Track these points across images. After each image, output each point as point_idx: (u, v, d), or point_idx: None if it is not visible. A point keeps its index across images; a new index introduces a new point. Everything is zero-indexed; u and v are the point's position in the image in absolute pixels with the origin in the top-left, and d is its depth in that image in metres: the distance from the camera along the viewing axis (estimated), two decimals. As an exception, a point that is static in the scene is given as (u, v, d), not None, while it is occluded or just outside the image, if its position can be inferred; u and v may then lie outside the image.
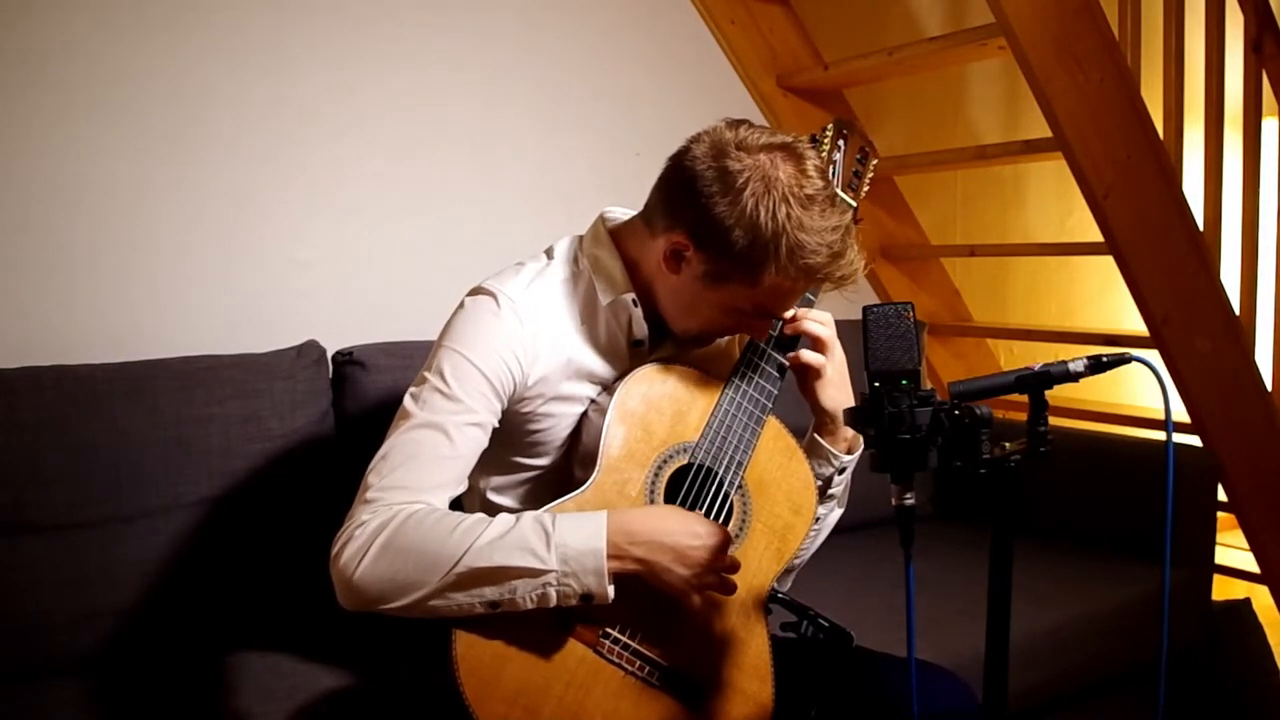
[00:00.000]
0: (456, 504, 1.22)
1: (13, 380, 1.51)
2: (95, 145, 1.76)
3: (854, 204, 1.34)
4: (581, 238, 1.31)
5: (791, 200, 1.12)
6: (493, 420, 1.20)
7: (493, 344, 1.19)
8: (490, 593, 1.07)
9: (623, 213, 1.32)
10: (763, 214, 1.11)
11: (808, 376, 1.30)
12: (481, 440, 1.19)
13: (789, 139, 1.17)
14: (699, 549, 1.12)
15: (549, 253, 1.30)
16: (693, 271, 1.18)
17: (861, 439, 1.34)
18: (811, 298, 1.31)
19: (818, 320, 1.28)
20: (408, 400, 1.18)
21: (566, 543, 1.08)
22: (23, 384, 1.51)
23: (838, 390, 1.30)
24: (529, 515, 1.11)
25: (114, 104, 1.78)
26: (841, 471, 1.33)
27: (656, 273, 1.23)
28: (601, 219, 1.31)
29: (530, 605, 1.08)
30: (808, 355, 1.29)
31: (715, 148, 1.15)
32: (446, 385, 1.16)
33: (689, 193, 1.15)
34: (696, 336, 1.29)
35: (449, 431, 1.15)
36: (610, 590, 1.09)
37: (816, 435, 1.33)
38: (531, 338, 1.21)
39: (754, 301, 1.19)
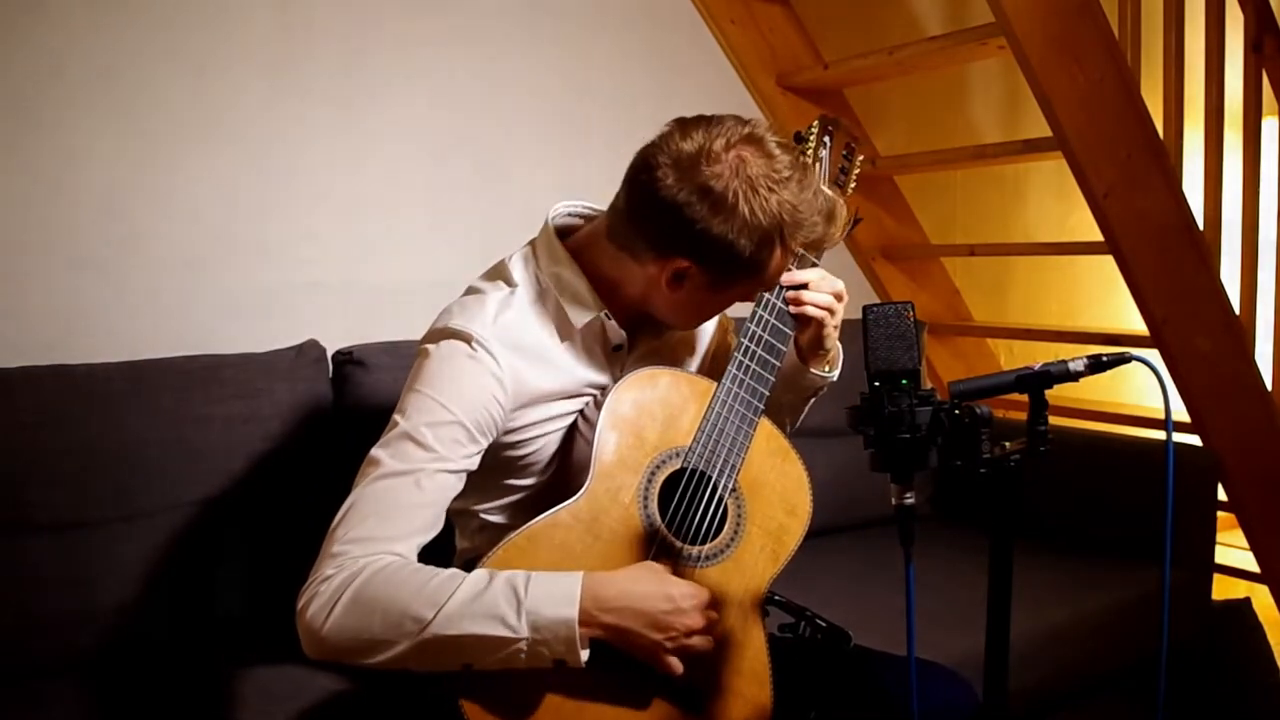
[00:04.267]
0: (449, 524, 1.21)
1: (13, 380, 1.51)
2: (93, 144, 1.76)
3: (841, 200, 1.34)
4: (535, 252, 1.27)
5: (775, 187, 1.13)
6: (469, 465, 1.16)
7: (471, 390, 1.15)
8: (460, 657, 1.05)
9: (566, 210, 1.30)
10: (759, 214, 1.12)
11: (812, 327, 1.31)
12: (454, 485, 1.15)
13: (741, 124, 1.15)
14: (672, 613, 1.10)
15: (505, 277, 1.25)
16: (696, 284, 1.19)
17: (841, 353, 1.38)
18: (815, 261, 1.31)
19: (820, 290, 1.29)
20: (376, 449, 1.13)
21: (538, 610, 1.04)
22: (23, 384, 1.51)
23: (836, 332, 1.34)
24: (502, 577, 1.07)
25: (112, 102, 1.77)
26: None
27: (653, 290, 1.21)
28: (550, 229, 1.27)
29: (499, 668, 1.06)
30: (812, 309, 1.29)
31: (681, 168, 1.13)
32: (420, 434, 1.12)
33: (679, 222, 1.13)
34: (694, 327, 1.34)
35: (419, 479, 1.11)
36: (584, 655, 1.06)
37: (809, 368, 1.35)
38: (510, 372, 1.18)
39: (760, 286, 1.24)
